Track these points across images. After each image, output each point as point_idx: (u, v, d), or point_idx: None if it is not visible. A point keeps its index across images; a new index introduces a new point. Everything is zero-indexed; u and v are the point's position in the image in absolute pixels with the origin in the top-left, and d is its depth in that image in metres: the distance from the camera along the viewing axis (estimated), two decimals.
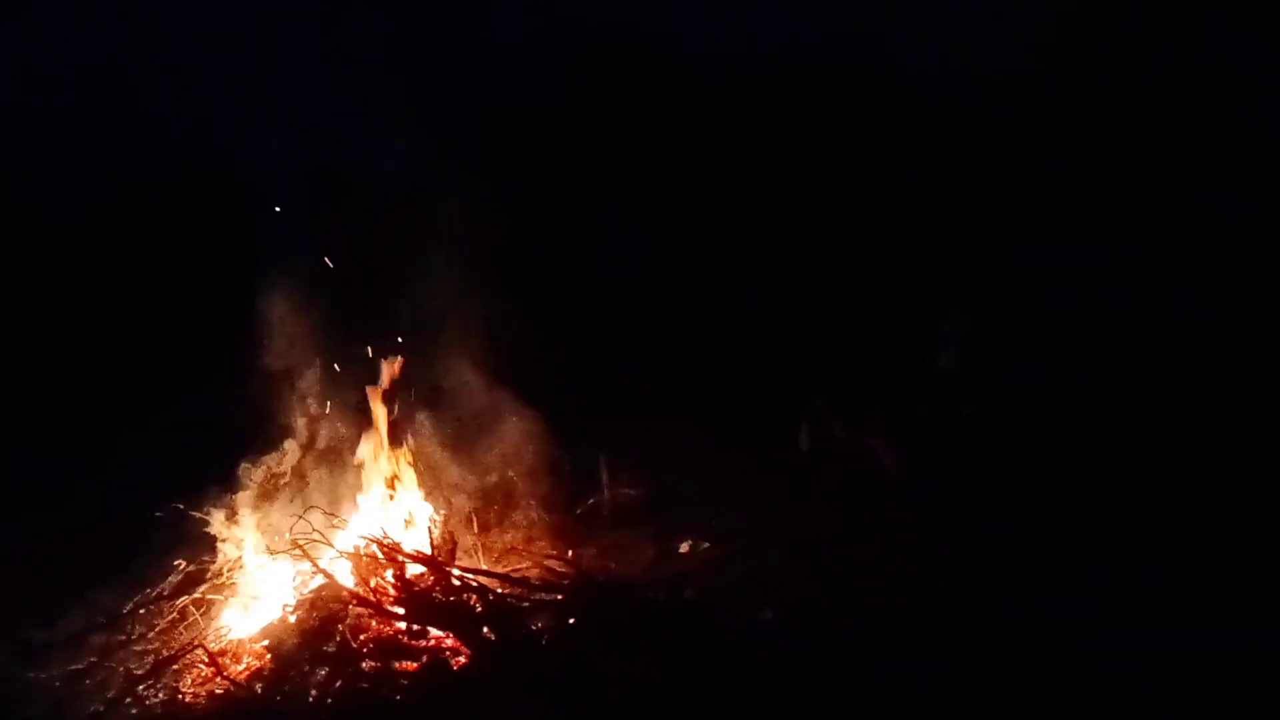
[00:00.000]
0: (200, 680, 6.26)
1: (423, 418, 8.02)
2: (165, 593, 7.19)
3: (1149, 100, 8.80)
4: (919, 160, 9.68)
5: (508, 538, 7.73)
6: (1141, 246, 8.68)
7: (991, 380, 8.49)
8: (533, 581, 6.93)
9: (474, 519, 7.73)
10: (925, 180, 9.66)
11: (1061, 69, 9.00)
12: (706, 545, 7.56)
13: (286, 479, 7.65)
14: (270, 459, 7.65)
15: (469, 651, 6.21)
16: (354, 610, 6.47)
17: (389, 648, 6.25)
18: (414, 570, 6.84)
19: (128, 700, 6.15)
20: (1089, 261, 8.94)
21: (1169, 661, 5.44)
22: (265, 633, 6.59)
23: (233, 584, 7.12)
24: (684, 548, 7.57)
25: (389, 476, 7.66)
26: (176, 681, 6.28)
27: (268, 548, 7.21)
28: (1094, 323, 8.82)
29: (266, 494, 7.53)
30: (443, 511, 7.56)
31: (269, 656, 6.33)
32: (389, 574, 6.76)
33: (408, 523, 7.50)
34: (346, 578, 6.77)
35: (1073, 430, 7.94)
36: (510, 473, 7.93)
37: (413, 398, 8.02)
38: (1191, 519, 6.76)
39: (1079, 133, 8.95)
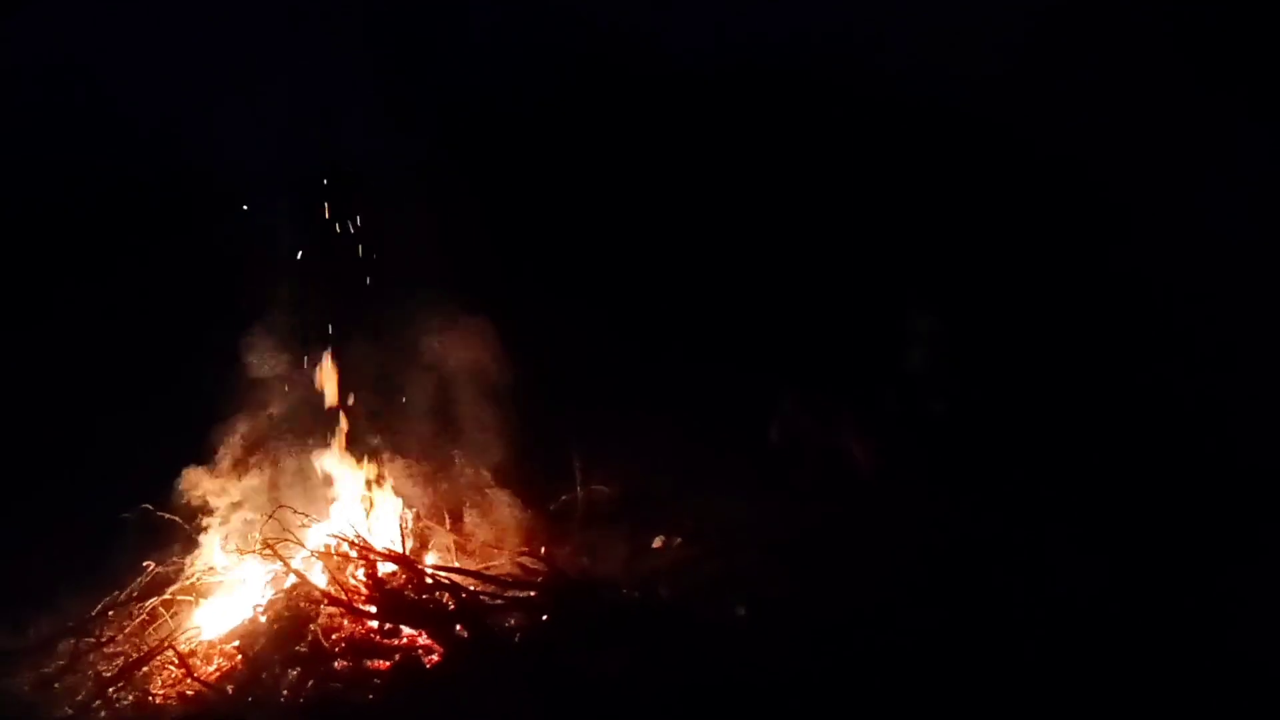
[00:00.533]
0: (170, 682, 6.22)
1: (393, 415, 7.97)
2: (134, 594, 7.12)
3: (1127, 96, 8.88)
4: (890, 156, 9.71)
5: (480, 535, 7.68)
6: (1115, 241, 8.75)
7: (963, 375, 8.53)
8: (506, 579, 6.90)
9: (446, 517, 7.69)
10: (897, 175, 9.69)
11: (1040, 65, 9.05)
12: (680, 542, 7.57)
13: (256, 477, 7.59)
14: (239, 457, 7.61)
15: (442, 650, 6.19)
16: (325, 610, 6.45)
17: (361, 647, 6.24)
18: (386, 569, 6.82)
19: (97, 704, 6.09)
20: (1062, 256, 9.00)
21: (1148, 655, 5.49)
22: (236, 633, 6.56)
23: (202, 585, 7.08)
24: (657, 544, 7.57)
25: (360, 476, 7.63)
26: (146, 684, 6.23)
27: (238, 548, 7.17)
28: (1067, 317, 8.86)
29: (236, 492, 7.49)
30: (414, 509, 7.52)
31: (240, 657, 6.30)
32: (360, 573, 6.74)
33: (379, 521, 7.47)
34: (318, 577, 6.73)
35: (1046, 424, 8.00)
36: (483, 470, 7.89)
37: (382, 395, 8.00)
38: (1168, 512, 6.82)
39: (1054, 127, 8.99)
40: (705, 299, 9.87)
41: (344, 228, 8.42)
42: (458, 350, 8.08)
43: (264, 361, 7.87)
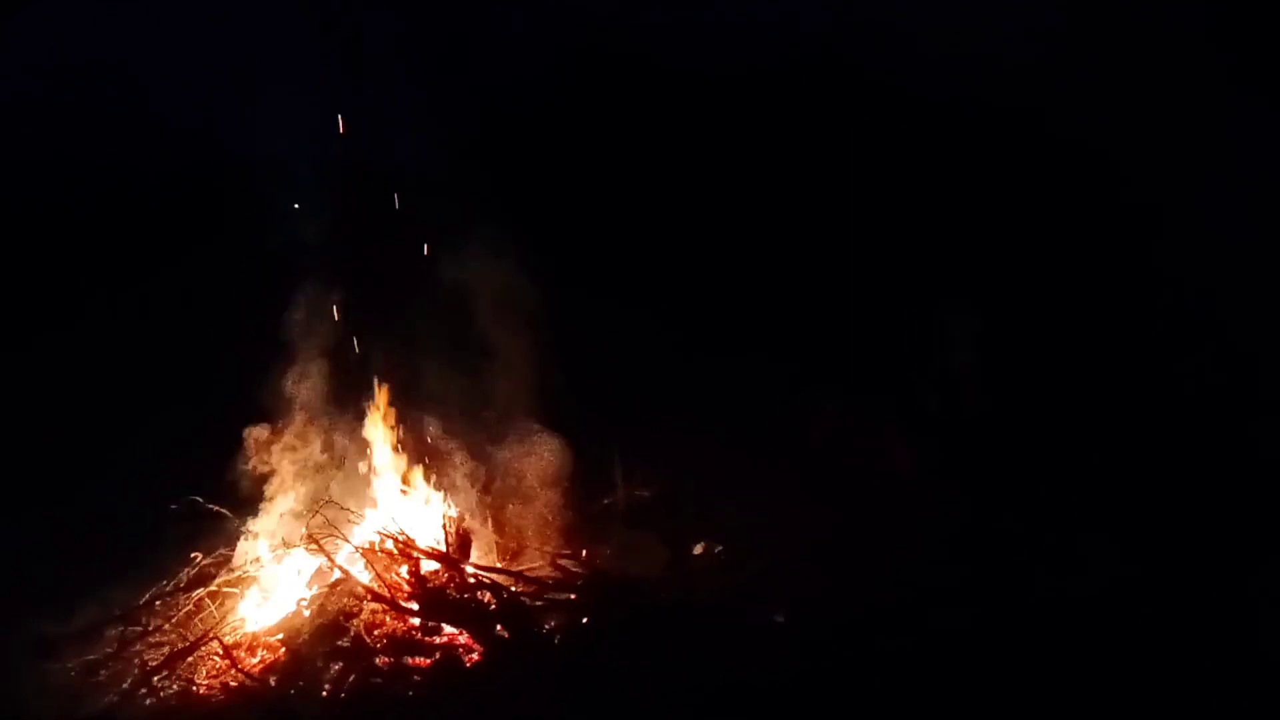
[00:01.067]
0: (215, 672, 6.28)
1: (436, 416, 8.01)
2: (181, 585, 7.22)
3: (1161, 94, 8.79)
4: (932, 155, 9.67)
5: (522, 536, 7.71)
6: (1152, 241, 8.67)
7: (1002, 376, 8.49)
8: (546, 580, 6.95)
9: (488, 517, 7.72)
10: (937, 175, 9.64)
11: (1073, 63, 8.98)
12: (719, 546, 7.56)
13: (304, 473, 7.67)
14: (286, 453, 7.68)
15: (482, 649, 6.24)
16: (368, 606, 6.50)
17: (402, 644, 6.29)
18: (428, 567, 6.87)
19: (142, 692, 6.17)
20: (1100, 256, 8.93)
21: (1176, 653, 5.45)
22: (280, 626, 6.63)
23: (249, 577, 7.15)
24: (698, 549, 7.57)
25: (404, 474, 7.69)
26: (191, 673, 6.29)
27: (284, 542, 7.24)
28: (1104, 318, 8.79)
29: (284, 487, 7.57)
30: (457, 509, 7.56)
31: (283, 650, 6.37)
32: (403, 570, 6.79)
33: (422, 519, 7.52)
34: (362, 573, 6.79)
35: (1082, 425, 7.94)
36: (524, 472, 7.92)
37: (426, 396, 8.05)
38: (1201, 513, 6.76)
39: (1092, 127, 8.93)
40: (745, 300, 9.87)
41: (384, 226, 8.47)
42: (500, 352, 8.10)
43: (310, 356, 7.93)
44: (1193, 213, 8.41)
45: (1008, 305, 8.81)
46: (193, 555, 7.40)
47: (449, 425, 8.04)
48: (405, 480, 7.69)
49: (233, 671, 6.20)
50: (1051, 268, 9.00)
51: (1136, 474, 7.35)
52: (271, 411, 7.82)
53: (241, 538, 7.37)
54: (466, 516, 7.48)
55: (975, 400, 8.51)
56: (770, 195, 10.09)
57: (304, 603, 6.69)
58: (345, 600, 6.57)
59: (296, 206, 8.35)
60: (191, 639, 6.62)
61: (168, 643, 6.69)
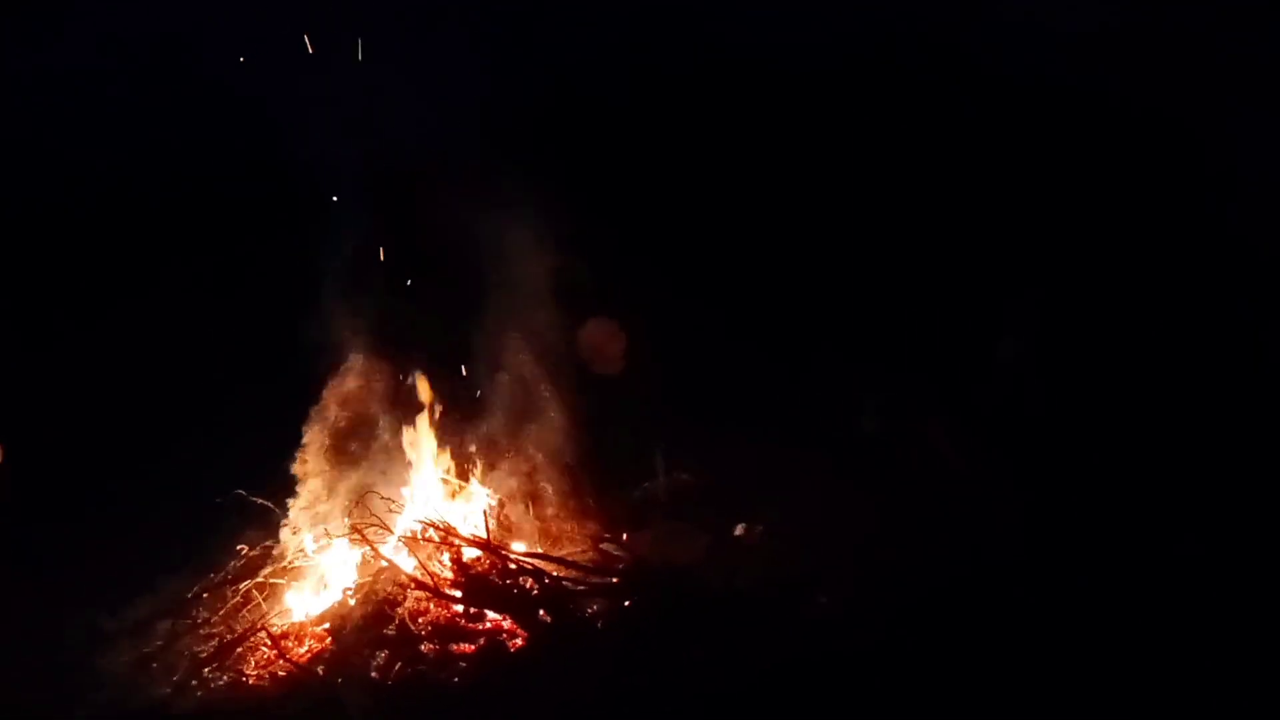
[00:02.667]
0: (263, 662, 6.37)
1: (481, 403, 8.05)
2: (229, 577, 7.33)
3: (1229, 82, 8.63)
4: (988, 149, 9.55)
5: (563, 523, 7.73)
6: (1212, 235, 8.51)
7: (1056, 371, 8.37)
8: (588, 566, 6.97)
9: (530, 504, 7.75)
10: (993, 168, 9.52)
11: (1141, 35, 8.82)
12: (760, 528, 7.54)
13: (347, 465, 7.74)
14: (328, 445, 7.76)
15: (526, 634, 6.27)
16: (412, 594, 6.56)
17: (447, 631, 6.34)
18: (471, 554, 6.91)
19: (193, 683, 6.27)
20: (1159, 250, 8.76)
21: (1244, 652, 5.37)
22: (326, 616, 6.70)
23: (294, 568, 7.23)
24: (738, 530, 7.55)
25: (445, 462, 7.74)
26: (240, 664, 6.39)
27: (328, 532, 7.31)
28: (1164, 314, 8.63)
29: (327, 479, 7.64)
30: (499, 496, 7.60)
31: (330, 639, 6.43)
32: (446, 558, 6.84)
33: (464, 507, 7.57)
34: (405, 562, 6.85)
35: (1136, 422, 7.81)
36: (567, 458, 7.94)
37: (469, 384, 8.09)
38: (1263, 512, 6.63)
39: (1164, 102, 8.76)
40: (792, 289, 9.81)
41: (433, 220, 8.51)
42: (543, 339, 8.12)
43: (356, 350, 8.00)
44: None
45: (1066, 291, 8.67)
46: (239, 548, 7.50)
47: (491, 414, 8.09)
48: (447, 470, 7.74)
49: (281, 661, 6.27)
50: (1113, 260, 8.82)
51: (1197, 469, 7.20)
52: (317, 405, 7.91)
53: (286, 530, 7.45)
54: (508, 504, 7.51)
55: (1029, 391, 8.39)
56: (817, 185, 10.00)
57: (349, 592, 6.76)
58: (390, 589, 6.63)
59: (345, 199, 8.43)
60: (240, 630, 6.72)
61: (217, 634, 6.79)
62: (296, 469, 7.60)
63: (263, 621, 6.70)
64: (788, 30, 9.96)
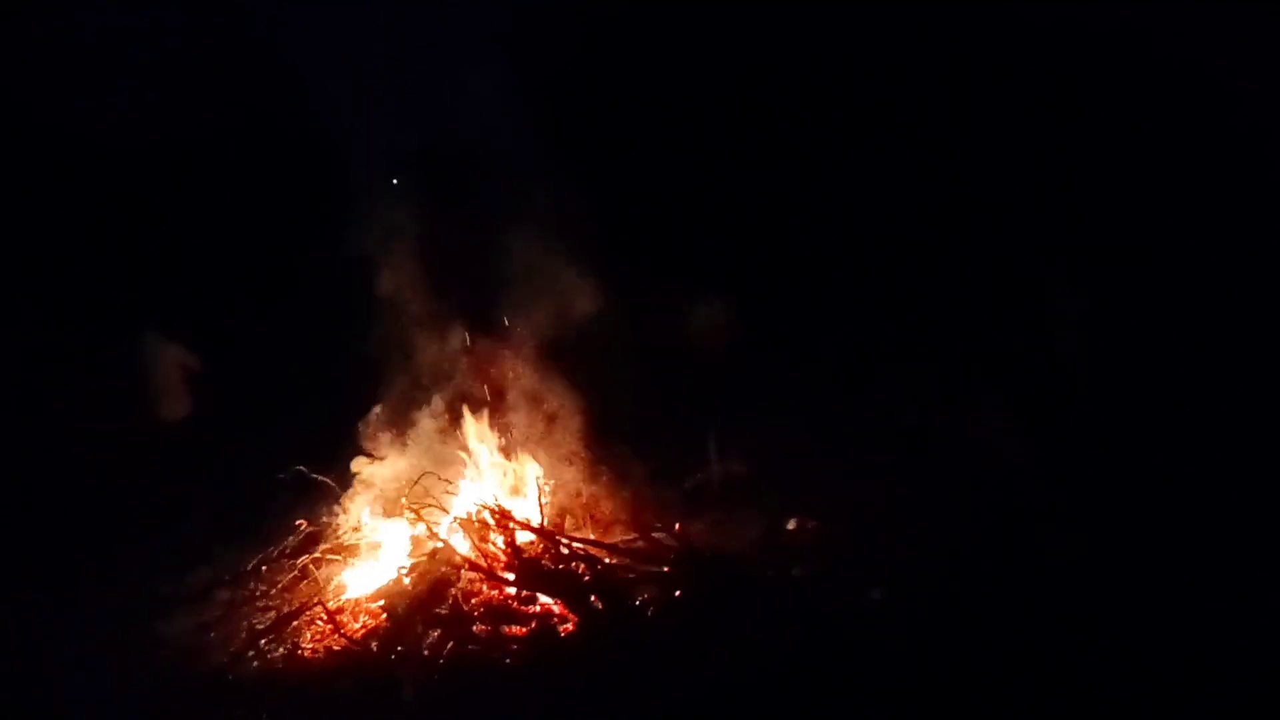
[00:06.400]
0: (319, 636, 6.48)
1: (534, 390, 8.10)
2: (287, 551, 7.46)
3: None
4: (1035, 130, 9.44)
5: (616, 510, 7.76)
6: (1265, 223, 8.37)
7: (1106, 364, 8.29)
8: (640, 553, 7.00)
9: (583, 490, 7.80)
10: (1044, 150, 9.41)
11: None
12: (813, 522, 7.53)
13: (406, 445, 7.84)
14: (390, 425, 7.86)
15: (576, 619, 6.32)
16: (466, 575, 6.64)
17: (499, 612, 6.41)
18: (524, 538, 6.97)
19: (250, 653, 6.39)
20: (1217, 247, 8.63)
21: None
22: (381, 593, 6.80)
23: (351, 545, 7.34)
24: (791, 524, 7.55)
25: (501, 446, 7.81)
26: (296, 637, 6.51)
27: (385, 511, 7.41)
28: (1221, 312, 8.50)
29: (386, 459, 7.74)
30: (553, 482, 7.65)
31: (384, 616, 6.53)
32: (500, 541, 6.91)
33: (518, 492, 7.63)
34: (460, 543, 6.93)
35: (1190, 416, 7.72)
36: (620, 446, 7.98)
37: (525, 371, 8.15)
38: None
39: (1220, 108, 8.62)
40: (844, 280, 9.77)
41: (486, 206, 8.57)
42: (596, 327, 8.15)
43: (414, 334, 8.09)
44: None
45: (1116, 294, 8.57)
46: (298, 523, 7.63)
47: (546, 401, 8.14)
48: (500, 454, 7.81)
49: (336, 636, 6.39)
50: (1168, 256, 8.69)
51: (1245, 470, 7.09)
52: (380, 386, 8.01)
53: (344, 507, 7.56)
54: (562, 490, 7.57)
55: (1079, 381, 8.32)
56: (867, 175, 9.95)
57: (404, 571, 6.84)
58: (444, 569, 6.71)
59: (408, 188, 8.50)
60: (297, 604, 6.85)
61: (274, 607, 6.93)
62: (357, 447, 7.71)
63: (319, 596, 6.82)
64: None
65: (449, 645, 6.15)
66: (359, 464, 7.71)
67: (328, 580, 7.11)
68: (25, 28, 9.62)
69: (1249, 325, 8.19)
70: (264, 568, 7.37)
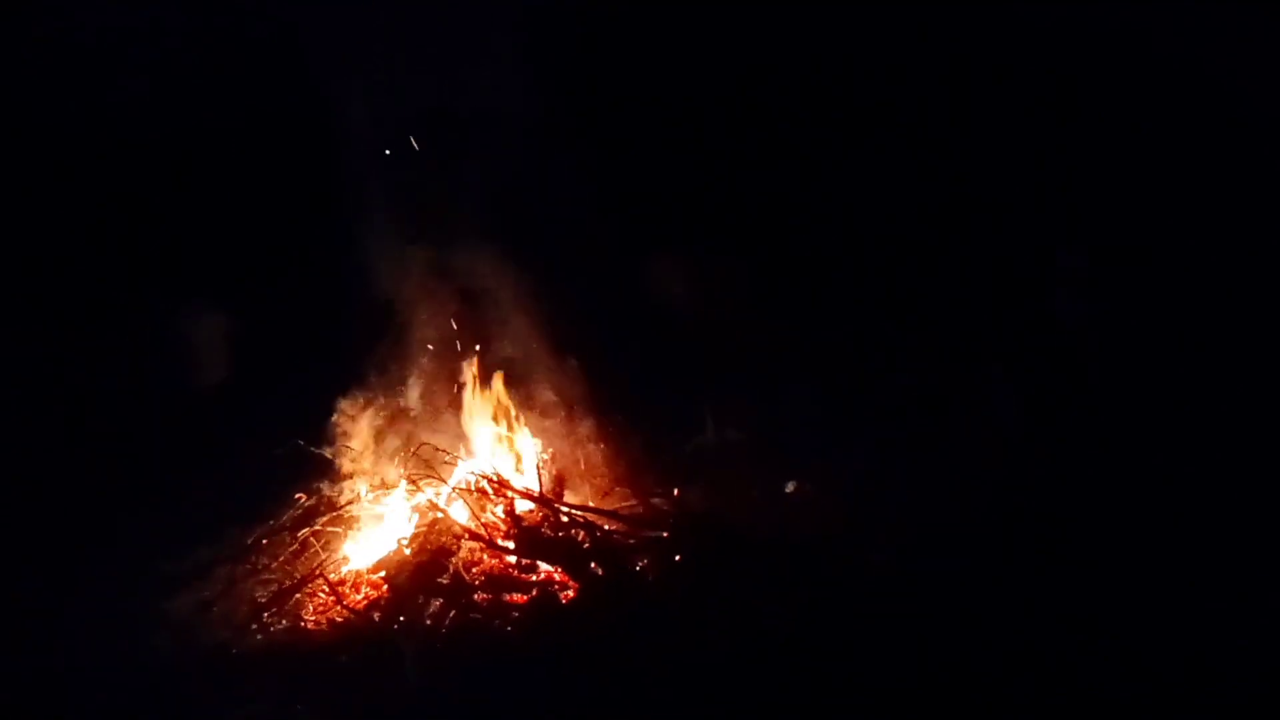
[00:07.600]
0: (321, 609, 6.51)
1: (529, 357, 8.10)
2: (287, 525, 7.45)
3: None
4: (1047, 105, 9.38)
5: (614, 477, 7.77)
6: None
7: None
8: (639, 519, 7.02)
9: (581, 458, 7.81)
10: (1057, 120, 9.36)
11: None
12: (813, 488, 7.54)
13: (401, 416, 7.84)
14: (385, 396, 7.86)
15: (577, 585, 6.35)
16: (466, 544, 6.66)
17: (500, 581, 6.44)
18: (524, 506, 6.99)
19: (253, 627, 6.42)
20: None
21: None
22: (382, 564, 6.81)
23: (350, 517, 7.36)
24: (789, 487, 7.56)
25: (498, 415, 7.81)
26: (298, 610, 6.53)
27: (383, 482, 7.42)
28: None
29: (382, 430, 7.75)
30: (551, 450, 7.66)
31: (386, 587, 6.55)
32: (499, 510, 6.92)
33: (517, 460, 7.64)
34: (459, 513, 6.94)
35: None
36: (618, 412, 7.98)
37: (519, 339, 8.14)
38: None
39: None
40: (845, 246, 9.73)
41: (482, 173, 8.54)
42: (594, 293, 8.14)
43: (409, 306, 8.08)
44: None
45: (1124, 259, 8.53)
46: (297, 496, 7.64)
47: (542, 368, 8.14)
48: (499, 423, 7.81)
49: (338, 608, 6.42)
50: (1183, 218, 8.63)
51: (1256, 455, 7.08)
52: (374, 357, 8.01)
53: (343, 479, 7.57)
54: (560, 457, 7.58)
55: (1086, 353, 8.29)
56: (865, 147, 9.89)
57: (404, 541, 6.86)
58: (444, 539, 6.73)
59: (399, 152, 8.47)
60: (298, 577, 6.86)
61: (276, 580, 6.93)
62: (353, 420, 7.71)
63: (320, 569, 6.84)
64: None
65: (451, 614, 6.18)
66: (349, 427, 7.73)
67: (329, 553, 7.11)
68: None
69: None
70: (265, 542, 7.35)
